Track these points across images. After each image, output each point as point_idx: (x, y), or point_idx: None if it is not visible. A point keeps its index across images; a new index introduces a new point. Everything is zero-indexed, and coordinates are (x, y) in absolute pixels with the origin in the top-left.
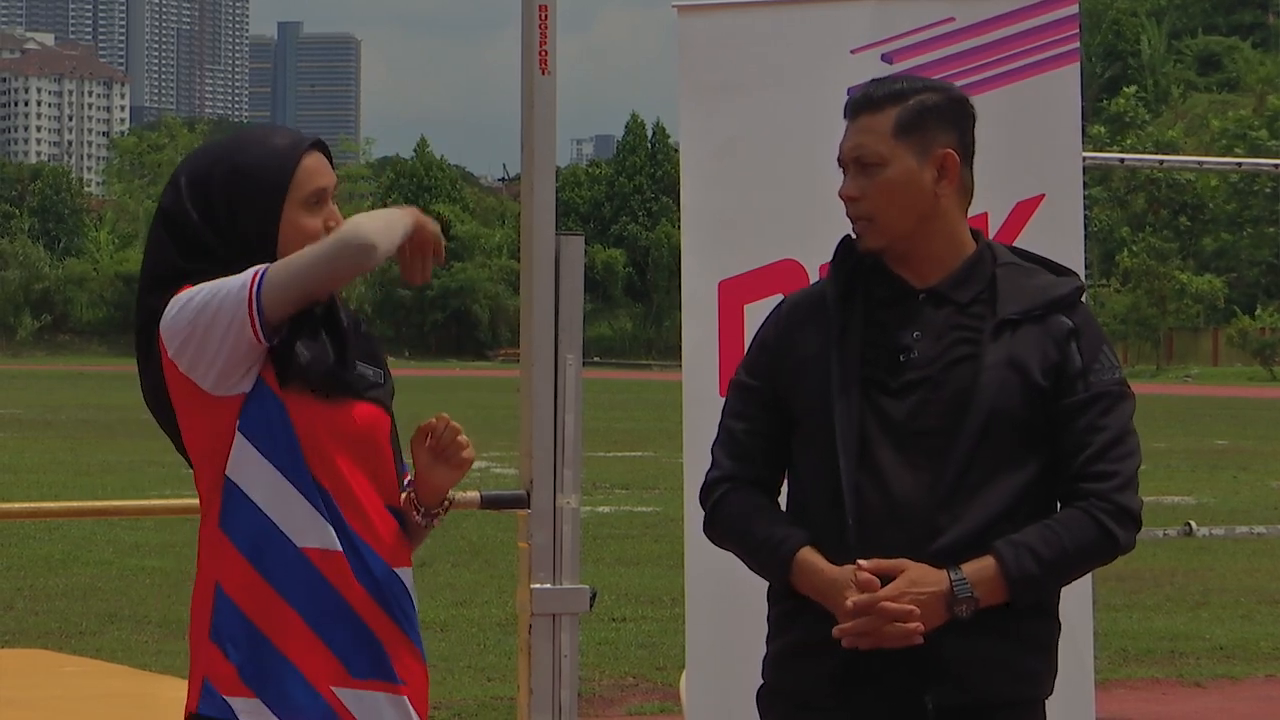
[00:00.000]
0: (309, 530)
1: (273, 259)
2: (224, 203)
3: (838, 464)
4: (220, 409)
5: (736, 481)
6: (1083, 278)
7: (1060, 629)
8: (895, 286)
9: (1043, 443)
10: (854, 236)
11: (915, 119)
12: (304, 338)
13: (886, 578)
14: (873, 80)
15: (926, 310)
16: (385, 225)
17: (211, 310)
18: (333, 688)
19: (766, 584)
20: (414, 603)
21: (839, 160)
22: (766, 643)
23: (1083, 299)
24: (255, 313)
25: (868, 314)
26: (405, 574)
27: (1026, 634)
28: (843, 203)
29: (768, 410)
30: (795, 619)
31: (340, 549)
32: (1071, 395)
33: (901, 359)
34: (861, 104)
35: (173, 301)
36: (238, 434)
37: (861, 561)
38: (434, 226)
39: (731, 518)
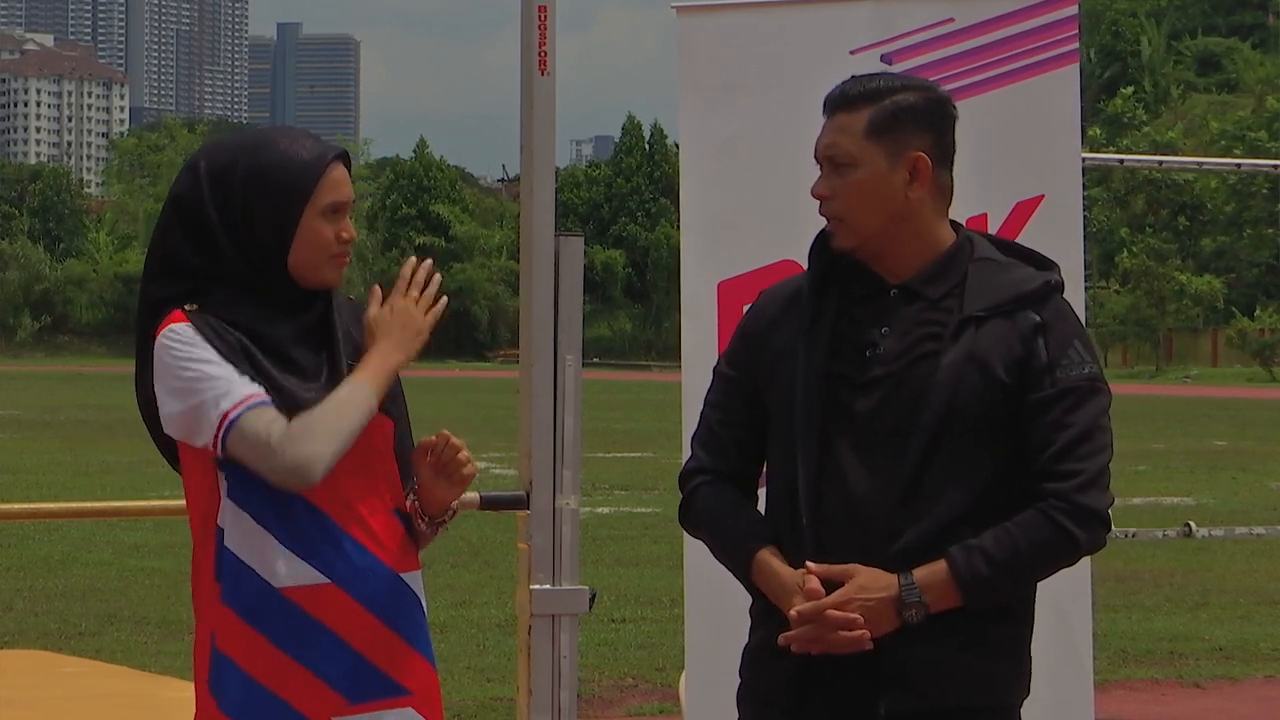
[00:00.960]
0: (286, 571)
1: (284, 264)
2: (241, 200)
3: (796, 462)
4: (202, 452)
5: (710, 474)
6: (1082, 278)
7: (1031, 632)
8: (869, 283)
9: (1005, 440)
10: (831, 235)
11: (889, 120)
12: (284, 365)
13: (836, 583)
14: (852, 77)
15: (898, 306)
16: (343, 438)
17: (191, 408)
18: (334, 718)
19: None
20: (423, 606)
21: (815, 158)
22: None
23: (1058, 293)
24: (218, 447)
25: (841, 309)
26: (413, 578)
27: (987, 638)
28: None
29: (745, 402)
30: (766, 618)
31: (327, 580)
32: (1038, 391)
33: (868, 354)
34: (838, 102)
35: (166, 341)
36: (220, 479)
37: (811, 565)
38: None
39: (703, 511)
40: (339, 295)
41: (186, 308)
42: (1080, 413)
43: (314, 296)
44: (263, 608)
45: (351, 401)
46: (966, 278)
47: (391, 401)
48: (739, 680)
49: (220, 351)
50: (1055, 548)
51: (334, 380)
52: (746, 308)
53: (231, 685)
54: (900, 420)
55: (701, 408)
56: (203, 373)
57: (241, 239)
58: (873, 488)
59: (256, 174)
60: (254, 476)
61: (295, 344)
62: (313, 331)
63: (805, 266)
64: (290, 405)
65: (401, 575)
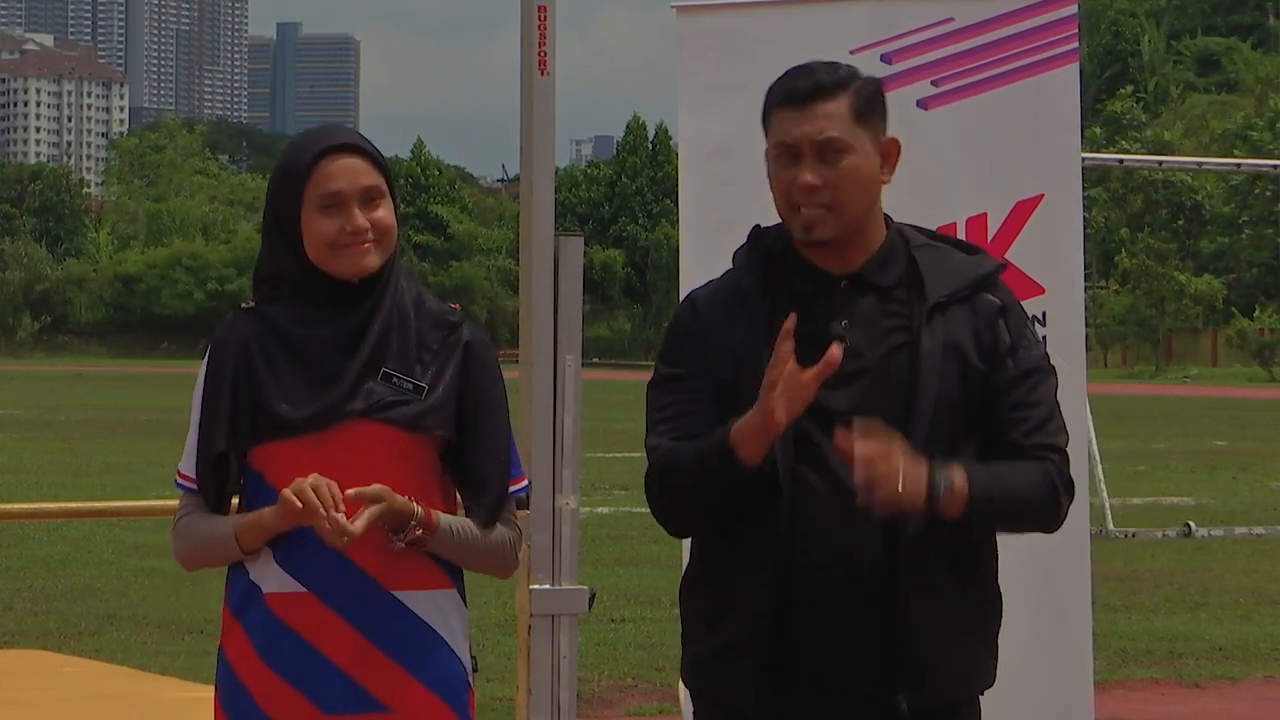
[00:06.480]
0: (272, 577)
1: (300, 260)
2: (270, 200)
3: (775, 458)
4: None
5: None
6: (1082, 278)
7: (1002, 612)
8: (814, 277)
9: (978, 422)
10: (805, 228)
11: (868, 104)
12: (302, 370)
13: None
14: (800, 69)
15: (852, 298)
16: (195, 558)
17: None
18: None
19: (680, 583)
20: (428, 623)
21: (786, 148)
22: (683, 644)
23: (1001, 275)
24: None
25: (792, 308)
26: (413, 596)
27: (983, 624)
28: (797, 193)
29: (707, 396)
30: (713, 626)
31: (304, 588)
32: (1004, 372)
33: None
34: (813, 91)
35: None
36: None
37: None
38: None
39: (668, 463)
40: (408, 289)
41: (243, 305)
42: (1041, 391)
43: (362, 293)
44: (248, 610)
45: (212, 540)
46: (917, 265)
47: (413, 410)
48: (690, 694)
49: (212, 384)
50: (1045, 507)
51: (357, 388)
52: (677, 311)
53: (232, 693)
54: (887, 411)
55: (648, 419)
56: (193, 417)
57: (275, 236)
58: None
59: (274, 173)
60: (263, 482)
61: (326, 348)
62: (354, 333)
63: None
64: (266, 427)
65: (394, 593)
